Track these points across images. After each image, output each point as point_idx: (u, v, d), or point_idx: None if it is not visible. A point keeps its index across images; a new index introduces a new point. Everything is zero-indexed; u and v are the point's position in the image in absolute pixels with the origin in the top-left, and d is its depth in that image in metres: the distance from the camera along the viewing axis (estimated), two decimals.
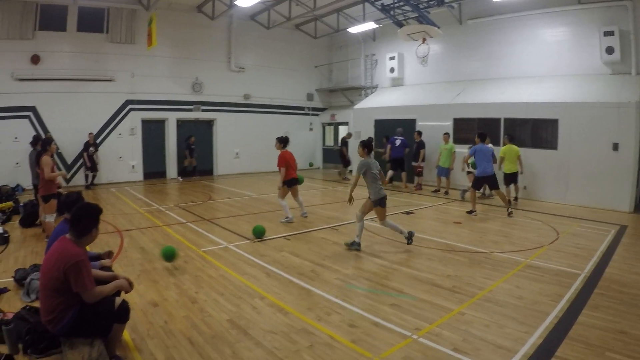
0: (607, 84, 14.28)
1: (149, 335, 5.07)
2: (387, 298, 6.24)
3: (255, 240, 9.39)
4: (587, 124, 13.74)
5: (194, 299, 6.17)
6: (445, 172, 16.34)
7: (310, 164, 24.56)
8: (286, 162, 11.27)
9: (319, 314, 5.68)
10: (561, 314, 5.64)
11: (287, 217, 11.36)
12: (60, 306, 4.04)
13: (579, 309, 5.82)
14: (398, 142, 17.41)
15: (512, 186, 14.09)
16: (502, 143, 14.31)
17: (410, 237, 8.84)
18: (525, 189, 15.08)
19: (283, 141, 11.69)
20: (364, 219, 8.80)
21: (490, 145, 13.18)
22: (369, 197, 8.64)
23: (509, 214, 12.17)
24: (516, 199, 14.35)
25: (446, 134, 16.47)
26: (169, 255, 7.71)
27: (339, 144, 21.83)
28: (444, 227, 11.01)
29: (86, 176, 18.35)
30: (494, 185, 12.52)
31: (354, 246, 8.76)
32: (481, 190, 14.93)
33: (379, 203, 8.56)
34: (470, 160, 14.18)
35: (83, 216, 4.21)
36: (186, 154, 20.68)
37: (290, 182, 11.40)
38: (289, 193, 11.55)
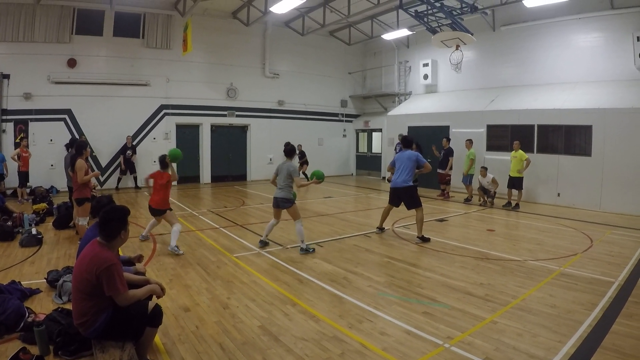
0: None
1: (180, 340, 5.06)
2: (420, 306, 6.14)
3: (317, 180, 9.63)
4: (622, 130, 13.64)
5: (226, 304, 6.16)
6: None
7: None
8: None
9: (350, 321, 5.61)
10: (595, 322, 5.55)
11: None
12: (93, 309, 4.06)
13: (613, 317, 5.71)
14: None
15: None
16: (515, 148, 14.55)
17: None
18: (559, 196, 14.97)
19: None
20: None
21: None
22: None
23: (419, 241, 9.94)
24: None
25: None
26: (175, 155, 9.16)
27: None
28: (477, 235, 10.85)
29: (118, 179, 18.76)
30: (408, 202, 10.12)
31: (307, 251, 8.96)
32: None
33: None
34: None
35: (110, 219, 4.22)
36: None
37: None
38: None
